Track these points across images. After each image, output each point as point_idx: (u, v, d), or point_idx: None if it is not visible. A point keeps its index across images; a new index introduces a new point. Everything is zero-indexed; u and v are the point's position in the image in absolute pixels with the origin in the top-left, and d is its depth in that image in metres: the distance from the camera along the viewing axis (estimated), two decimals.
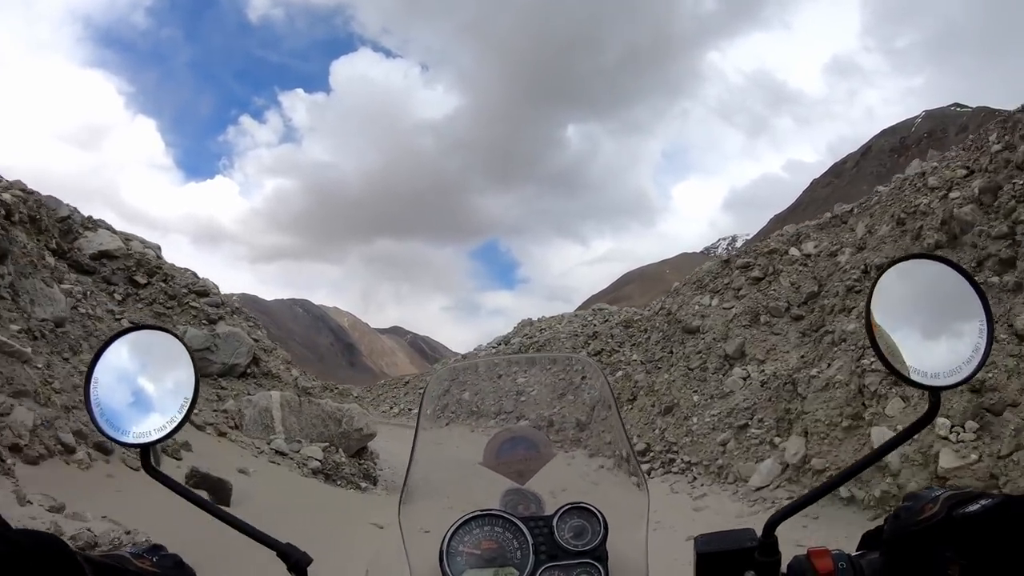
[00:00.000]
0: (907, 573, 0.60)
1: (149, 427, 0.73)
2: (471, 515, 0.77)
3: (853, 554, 0.64)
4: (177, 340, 0.77)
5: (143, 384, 0.76)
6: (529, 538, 0.75)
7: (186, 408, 0.73)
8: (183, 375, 0.75)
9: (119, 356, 0.76)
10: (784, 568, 0.64)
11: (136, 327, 0.80)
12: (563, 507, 0.78)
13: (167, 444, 5.77)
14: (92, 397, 0.73)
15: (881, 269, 0.62)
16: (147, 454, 0.74)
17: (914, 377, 0.58)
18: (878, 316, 0.59)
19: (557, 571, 0.72)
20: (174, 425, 0.73)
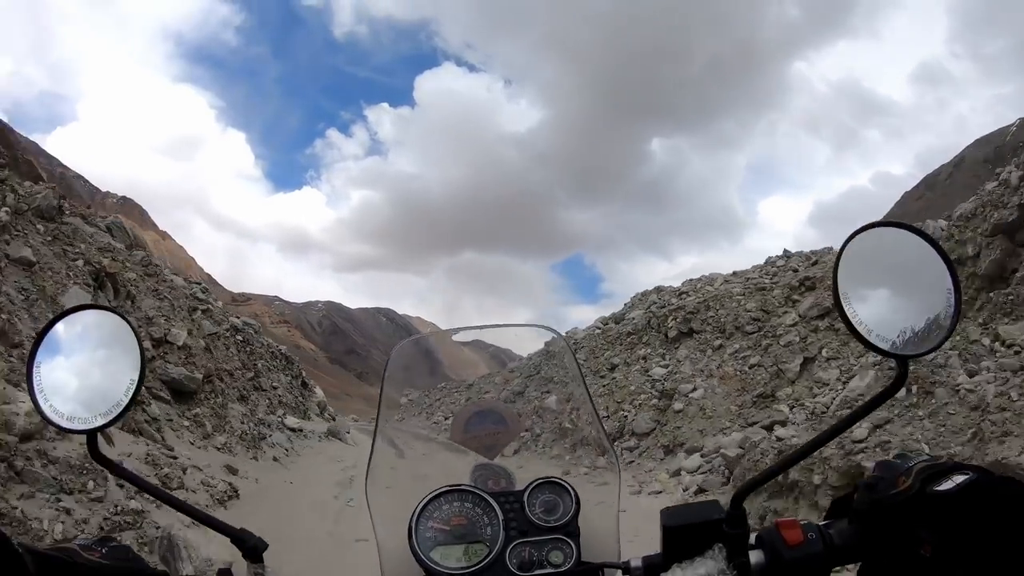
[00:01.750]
0: (878, 545, 0.68)
1: (95, 412, 0.80)
2: (440, 491, 0.85)
3: (821, 523, 0.72)
4: (121, 319, 0.83)
5: (88, 367, 0.84)
6: (499, 513, 0.83)
7: (132, 391, 0.80)
8: (128, 356, 0.81)
9: (62, 338, 0.83)
10: (752, 540, 0.71)
11: (79, 308, 0.85)
12: (534, 482, 0.86)
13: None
14: (35, 382, 0.80)
15: (848, 237, 0.68)
16: (94, 440, 0.80)
17: (882, 346, 0.65)
18: (845, 285, 0.66)
19: (528, 546, 0.80)
20: (120, 409, 0.79)
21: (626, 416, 12.15)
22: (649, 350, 13.94)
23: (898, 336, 0.66)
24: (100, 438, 0.81)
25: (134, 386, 0.80)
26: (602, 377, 14.13)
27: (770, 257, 15.27)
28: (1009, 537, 0.61)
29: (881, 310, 0.67)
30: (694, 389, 11.51)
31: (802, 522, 0.71)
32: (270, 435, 10.81)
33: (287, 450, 10.78)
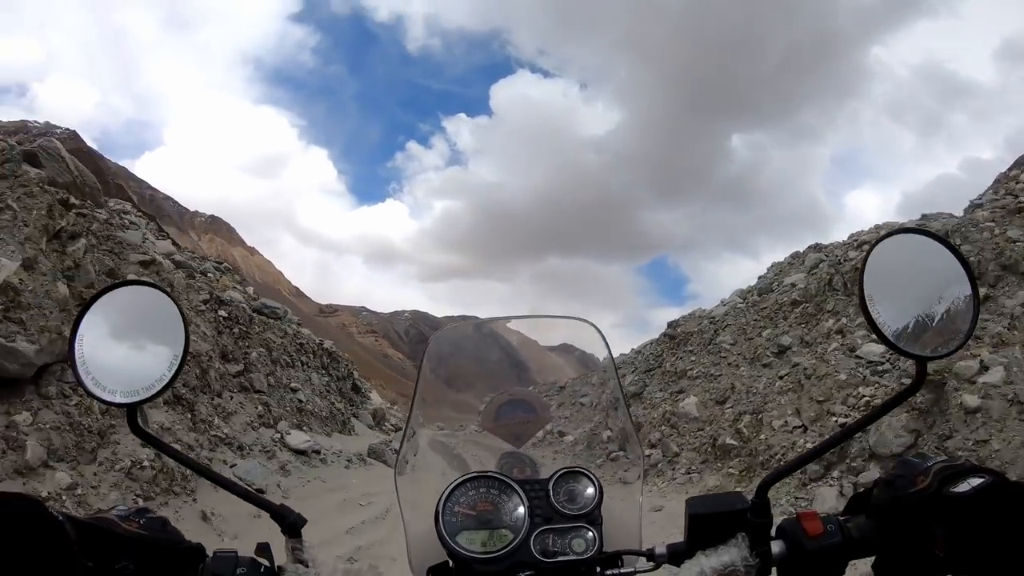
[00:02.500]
0: (894, 541, 1.04)
1: (137, 386, 1.21)
2: (467, 477, 1.26)
3: (841, 517, 1.08)
4: (166, 296, 1.24)
5: (130, 342, 1.26)
6: (524, 500, 1.23)
7: (176, 366, 1.21)
8: (172, 332, 1.23)
9: (106, 313, 1.23)
10: (773, 532, 1.09)
11: (123, 283, 1.25)
12: (559, 471, 1.27)
13: None
14: (77, 355, 1.20)
15: (873, 243, 1.05)
16: (134, 414, 1.21)
17: (904, 347, 1.02)
18: (870, 288, 1.03)
19: (551, 534, 1.20)
20: (163, 384, 1.20)
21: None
22: (843, 320, 13.10)
23: (918, 338, 1.05)
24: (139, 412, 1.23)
25: (178, 361, 1.23)
26: (767, 366, 13.64)
27: (1007, 172, 14.51)
28: (1019, 541, 0.93)
29: (903, 313, 1.06)
30: (983, 369, 9.72)
31: (822, 515, 1.09)
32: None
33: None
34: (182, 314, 1.27)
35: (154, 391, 1.24)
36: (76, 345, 1.24)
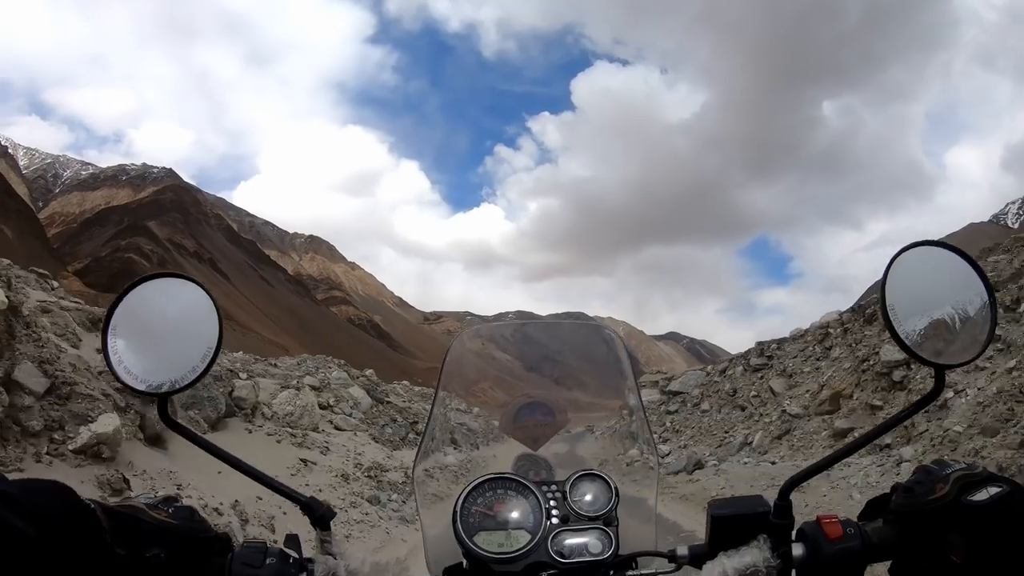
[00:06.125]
0: (911, 548, 1.06)
1: (168, 377, 1.20)
2: (485, 478, 1.28)
3: (859, 521, 1.10)
4: (200, 288, 1.25)
5: (164, 333, 1.26)
6: (541, 502, 1.25)
7: (209, 359, 1.20)
8: (207, 325, 1.23)
9: (140, 303, 1.23)
10: (794, 535, 1.11)
11: (158, 275, 1.26)
12: (575, 473, 1.30)
13: None
14: (109, 344, 1.20)
15: (895, 254, 1.08)
16: (164, 404, 1.21)
17: (924, 355, 1.05)
18: (891, 298, 1.06)
19: (568, 535, 1.22)
20: (195, 376, 1.20)
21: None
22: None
23: (937, 347, 1.08)
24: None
25: (211, 354, 1.23)
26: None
27: None
28: None
29: (923, 322, 1.09)
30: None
31: (842, 518, 1.11)
32: None
33: None
34: (216, 307, 1.27)
35: (186, 382, 1.23)
36: (109, 334, 1.23)
